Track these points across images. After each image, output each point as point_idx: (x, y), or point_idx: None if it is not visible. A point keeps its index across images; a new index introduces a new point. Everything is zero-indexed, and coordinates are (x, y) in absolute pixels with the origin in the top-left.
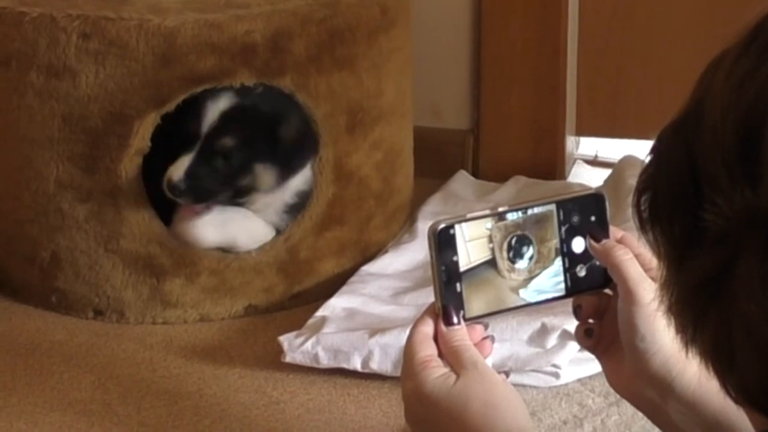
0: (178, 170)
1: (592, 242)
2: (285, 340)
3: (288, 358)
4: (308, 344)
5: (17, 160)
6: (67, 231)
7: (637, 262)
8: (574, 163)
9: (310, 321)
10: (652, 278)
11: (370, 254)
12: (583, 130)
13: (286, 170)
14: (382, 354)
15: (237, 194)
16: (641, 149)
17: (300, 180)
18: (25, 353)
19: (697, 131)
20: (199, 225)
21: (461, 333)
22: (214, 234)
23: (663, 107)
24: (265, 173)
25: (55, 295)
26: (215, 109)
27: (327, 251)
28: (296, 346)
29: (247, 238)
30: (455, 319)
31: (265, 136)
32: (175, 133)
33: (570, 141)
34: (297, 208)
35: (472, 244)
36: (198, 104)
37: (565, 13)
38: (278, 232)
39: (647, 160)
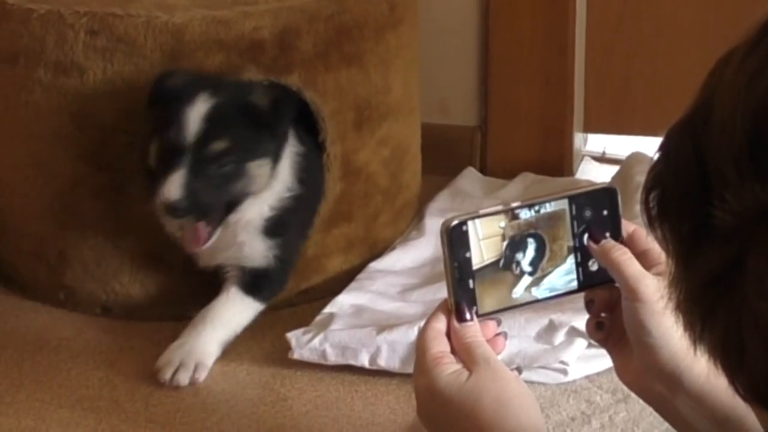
0: (174, 189)
1: (591, 243)
2: (293, 336)
3: (296, 355)
4: (316, 341)
5: (25, 156)
6: (75, 227)
7: (647, 256)
8: (582, 160)
9: (318, 318)
10: (661, 274)
11: (378, 251)
12: (591, 127)
13: (276, 148)
14: (389, 351)
15: (230, 204)
16: (649, 146)
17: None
18: (33, 350)
19: (705, 128)
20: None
21: (474, 329)
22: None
23: (671, 104)
24: (259, 170)
25: (63, 292)
26: (195, 115)
27: (334, 248)
28: (304, 343)
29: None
30: (468, 316)
31: (247, 123)
32: (157, 151)
33: (578, 138)
34: (275, 225)
35: (486, 242)
36: (175, 114)
37: (572, 10)
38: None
39: (656, 157)
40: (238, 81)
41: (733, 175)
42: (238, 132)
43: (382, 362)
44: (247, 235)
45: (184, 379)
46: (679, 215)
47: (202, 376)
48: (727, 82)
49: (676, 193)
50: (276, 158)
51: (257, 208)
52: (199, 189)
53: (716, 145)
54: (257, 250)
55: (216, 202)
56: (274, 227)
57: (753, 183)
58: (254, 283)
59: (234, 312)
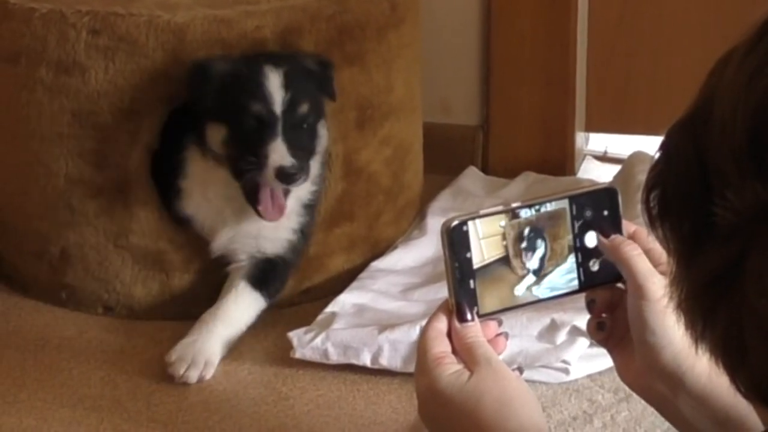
0: (283, 156)
1: (601, 238)
2: (294, 336)
3: (298, 354)
4: (318, 340)
5: (27, 156)
6: (77, 227)
7: (648, 256)
8: (583, 159)
9: (320, 317)
10: (663, 273)
11: (380, 250)
12: (592, 126)
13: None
14: (391, 350)
15: (310, 165)
16: (651, 145)
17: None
18: (34, 349)
19: (706, 128)
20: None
21: (475, 329)
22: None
23: (672, 103)
24: (323, 129)
25: (65, 291)
26: (275, 85)
27: (336, 247)
28: (306, 342)
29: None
30: (469, 316)
31: (312, 85)
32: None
33: (579, 137)
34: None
35: (486, 241)
36: (252, 91)
37: (574, 10)
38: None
39: (656, 156)
40: (282, 52)
41: (734, 174)
42: (311, 93)
43: (384, 361)
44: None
45: (193, 376)
46: (680, 214)
47: (209, 373)
48: (728, 82)
49: (677, 193)
50: (325, 117)
51: (307, 183)
52: (299, 151)
53: (717, 144)
54: (279, 233)
55: (309, 159)
56: (307, 208)
57: (754, 182)
58: (262, 277)
59: (242, 309)
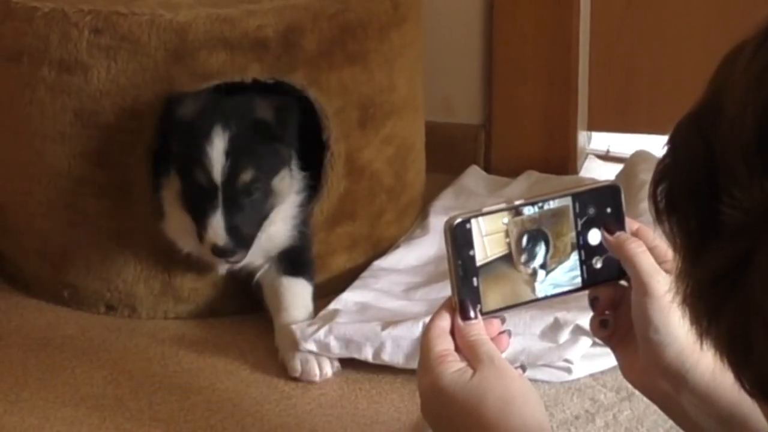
0: (217, 234)
1: (606, 234)
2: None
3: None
4: (321, 333)
5: (29, 155)
6: (79, 226)
7: (653, 254)
8: (586, 158)
9: (323, 312)
10: (667, 270)
11: (382, 249)
12: (594, 125)
13: (289, 154)
14: (393, 346)
15: (263, 222)
16: (653, 144)
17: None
18: (37, 348)
19: (714, 123)
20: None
21: (478, 327)
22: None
23: (675, 102)
24: (281, 183)
25: (67, 290)
26: (217, 153)
27: (339, 246)
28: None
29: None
30: (472, 314)
31: (262, 142)
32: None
33: (582, 136)
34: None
35: (489, 238)
36: (196, 155)
37: (577, 8)
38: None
39: (664, 150)
40: (240, 97)
41: (743, 172)
42: (257, 155)
43: (386, 357)
44: (274, 225)
45: (328, 369)
46: (687, 210)
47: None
48: (737, 78)
49: (685, 188)
50: (290, 162)
51: (290, 203)
52: (239, 224)
53: (726, 140)
54: (284, 231)
55: (255, 229)
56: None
57: (762, 179)
58: (293, 263)
59: (304, 296)
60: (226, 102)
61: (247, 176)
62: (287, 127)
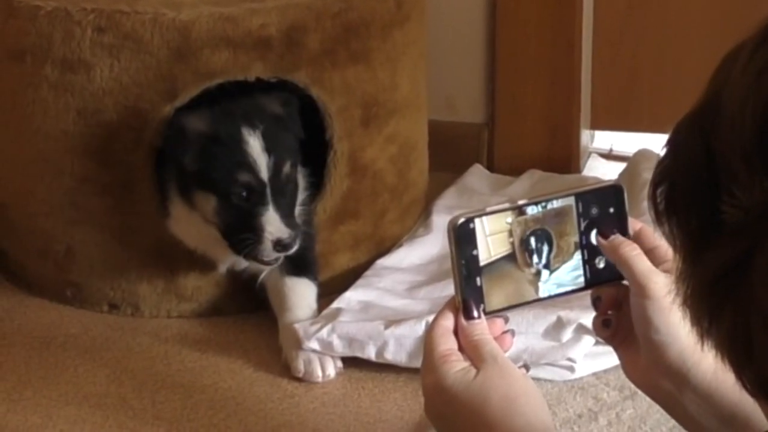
0: (279, 228)
1: (600, 239)
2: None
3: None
4: (324, 331)
5: (32, 153)
6: (82, 224)
7: (654, 254)
8: (588, 157)
9: (326, 311)
10: (668, 271)
11: (385, 248)
12: (597, 124)
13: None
14: (396, 345)
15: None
16: (656, 143)
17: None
18: (39, 347)
19: (714, 123)
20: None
21: (481, 327)
22: None
23: (678, 101)
24: (299, 174)
25: (70, 289)
26: (256, 151)
27: (342, 245)
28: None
29: None
30: (475, 313)
31: (284, 135)
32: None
33: (585, 134)
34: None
35: (493, 238)
36: (240, 153)
37: (579, 7)
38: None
39: (663, 151)
40: (242, 99)
41: (743, 171)
42: (286, 147)
43: (389, 356)
44: None
45: (331, 370)
46: (687, 210)
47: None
48: (736, 78)
49: (685, 189)
50: (298, 155)
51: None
52: (289, 213)
53: (725, 140)
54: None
55: (296, 218)
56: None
57: (762, 179)
58: (297, 263)
59: (307, 296)
60: (234, 106)
61: (287, 168)
62: (295, 119)
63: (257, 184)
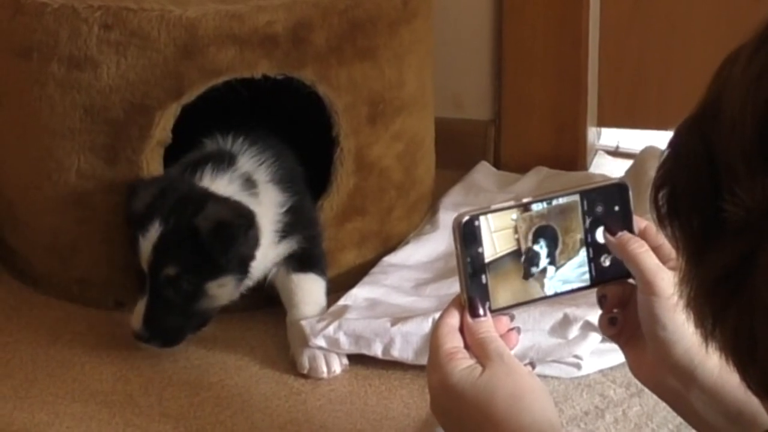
0: (136, 319)
1: (608, 235)
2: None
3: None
4: (330, 328)
5: (38, 151)
6: (88, 222)
7: (660, 252)
8: (595, 154)
9: (332, 308)
10: (673, 269)
11: (392, 245)
12: (604, 121)
13: (240, 260)
14: (403, 342)
15: (201, 319)
16: (663, 140)
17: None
18: (46, 344)
19: (715, 124)
20: None
21: (487, 325)
22: None
23: (684, 98)
24: (220, 289)
25: (77, 286)
26: (147, 244)
27: (348, 242)
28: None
29: None
30: (481, 311)
31: (193, 248)
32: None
33: (591, 132)
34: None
35: (498, 235)
36: (135, 238)
37: (586, 4)
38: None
39: (664, 155)
40: (195, 199)
41: (744, 171)
42: (186, 257)
43: (396, 353)
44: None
45: (337, 366)
46: (689, 212)
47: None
48: (736, 79)
49: (686, 191)
50: (244, 270)
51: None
52: (161, 315)
53: (726, 141)
54: (281, 247)
55: (181, 324)
56: (286, 229)
57: (763, 178)
58: (305, 260)
59: (314, 292)
60: (179, 196)
61: (170, 271)
62: (223, 246)
63: (140, 271)
